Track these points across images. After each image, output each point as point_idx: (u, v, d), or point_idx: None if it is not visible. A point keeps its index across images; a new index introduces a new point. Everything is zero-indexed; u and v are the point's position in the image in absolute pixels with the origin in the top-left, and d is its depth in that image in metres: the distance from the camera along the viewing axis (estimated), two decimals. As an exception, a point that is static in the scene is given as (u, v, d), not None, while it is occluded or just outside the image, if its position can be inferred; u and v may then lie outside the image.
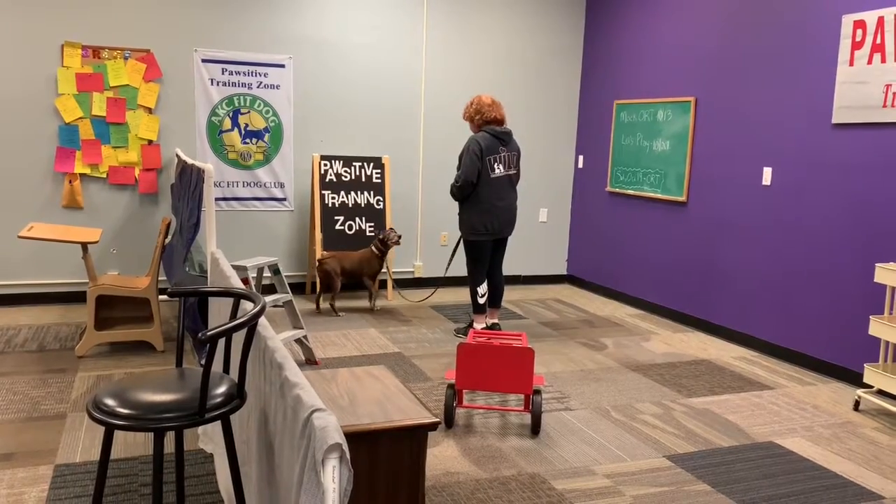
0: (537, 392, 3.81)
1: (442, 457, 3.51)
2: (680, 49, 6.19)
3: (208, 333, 1.89)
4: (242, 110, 6.40)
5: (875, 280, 4.18)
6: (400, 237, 6.21)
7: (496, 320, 5.60)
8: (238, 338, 2.54)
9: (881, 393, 4.48)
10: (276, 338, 2.14)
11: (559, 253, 7.77)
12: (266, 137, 6.51)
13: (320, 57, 6.58)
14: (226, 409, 2.09)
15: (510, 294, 7.15)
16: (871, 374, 4.20)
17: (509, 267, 7.50)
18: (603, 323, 6.17)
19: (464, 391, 4.20)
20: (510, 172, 5.36)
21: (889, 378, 4.06)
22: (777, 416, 4.19)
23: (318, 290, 6.18)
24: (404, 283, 7.16)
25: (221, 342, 2.93)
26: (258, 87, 6.41)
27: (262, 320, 2.28)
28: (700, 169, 6.02)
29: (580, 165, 7.57)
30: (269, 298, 4.53)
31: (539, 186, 7.54)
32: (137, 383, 2.13)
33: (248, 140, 6.45)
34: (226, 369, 2.37)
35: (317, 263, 6.12)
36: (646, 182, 6.60)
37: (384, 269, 6.67)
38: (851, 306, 4.77)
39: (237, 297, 2.41)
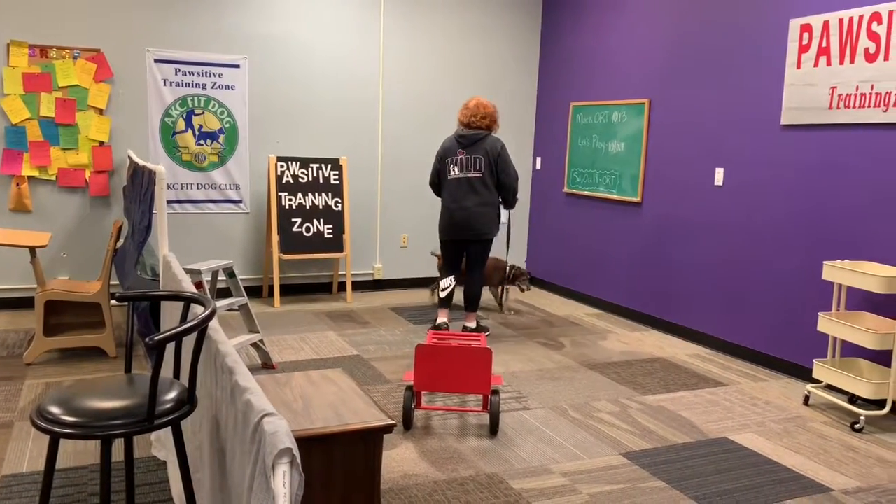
0: (495, 392, 3.83)
1: (400, 459, 3.50)
2: (634, 52, 6.27)
3: (156, 338, 1.86)
4: (196, 111, 6.30)
5: (823, 277, 4.29)
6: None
7: (471, 324, 5.58)
8: (189, 342, 2.49)
9: (829, 388, 4.59)
10: (228, 342, 2.11)
11: (518, 254, 7.81)
12: (221, 139, 6.41)
13: (276, 57, 6.52)
14: (176, 416, 2.06)
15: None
16: (819, 370, 4.30)
17: (468, 268, 7.51)
18: (561, 322, 6.22)
19: (422, 393, 4.19)
20: (469, 175, 5.32)
21: (837, 373, 4.17)
22: (730, 412, 4.27)
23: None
24: (363, 286, 7.13)
25: (171, 347, 2.88)
26: (212, 87, 6.32)
27: (214, 324, 2.25)
28: (654, 170, 6.10)
29: (538, 167, 7.62)
30: (223, 302, 4.46)
31: (497, 187, 7.57)
32: (84, 390, 2.08)
33: (202, 141, 6.35)
34: (176, 375, 2.33)
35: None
36: (602, 183, 6.67)
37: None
38: (801, 304, 4.88)
39: (187, 300, 2.38)
